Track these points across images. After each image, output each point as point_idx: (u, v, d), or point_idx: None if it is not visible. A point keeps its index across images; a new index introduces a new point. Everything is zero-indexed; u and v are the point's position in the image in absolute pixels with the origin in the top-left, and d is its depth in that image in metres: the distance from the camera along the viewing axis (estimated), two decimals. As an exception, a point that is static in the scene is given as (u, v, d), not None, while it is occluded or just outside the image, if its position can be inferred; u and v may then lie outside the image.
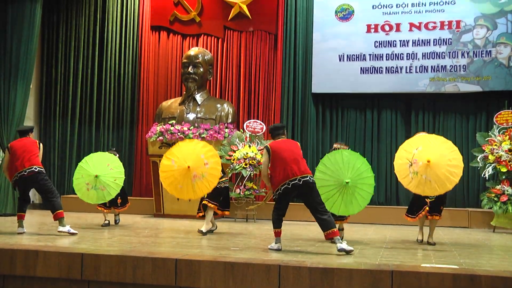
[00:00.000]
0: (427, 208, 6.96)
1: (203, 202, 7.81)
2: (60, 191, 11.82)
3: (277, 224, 6.22)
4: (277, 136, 6.48)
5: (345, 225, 7.45)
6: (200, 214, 7.96)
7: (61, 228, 7.16)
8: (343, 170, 6.54)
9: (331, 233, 5.93)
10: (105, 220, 8.70)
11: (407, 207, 7.50)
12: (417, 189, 6.58)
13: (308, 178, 6.07)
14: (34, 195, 10.97)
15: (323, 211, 6.03)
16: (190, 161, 7.25)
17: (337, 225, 7.44)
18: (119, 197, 8.63)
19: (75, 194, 11.71)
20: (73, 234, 7.16)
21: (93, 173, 7.97)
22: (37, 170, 7.30)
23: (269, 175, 6.31)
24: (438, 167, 6.46)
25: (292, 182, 6.04)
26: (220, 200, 7.93)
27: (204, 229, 7.65)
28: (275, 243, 6.16)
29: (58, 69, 12.40)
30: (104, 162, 8.22)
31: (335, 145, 7.49)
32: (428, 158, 6.44)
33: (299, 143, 6.52)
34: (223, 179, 7.91)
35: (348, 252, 5.79)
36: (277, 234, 6.19)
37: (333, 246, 6.32)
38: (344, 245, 5.82)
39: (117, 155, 8.69)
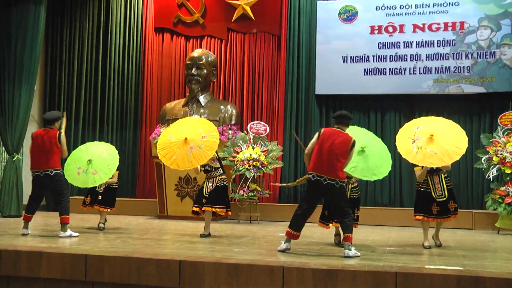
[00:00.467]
0: (434, 215, 6.88)
1: (204, 208, 7.63)
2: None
3: (293, 225, 6.03)
4: (337, 123, 6.22)
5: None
6: (195, 209, 7.73)
7: (62, 234, 7.10)
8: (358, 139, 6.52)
9: (345, 237, 5.89)
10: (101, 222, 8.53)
11: (410, 208, 7.47)
12: (423, 162, 6.45)
13: (334, 182, 5.89)
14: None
15: (345, 214, 5.93)
16: (188, 133, 7.34)
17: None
18: (103, 195, 8.33)
19: (79, 195, 11.79)
20: (75, 236, 7.14)
21: (86, 158, 7.79)
22: (52, 174, 7.18)
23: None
24: (442, 139, 6.44)
25: (317, 177, 5.92)
26: (226, 201, 7.81)
27: (206, 232, 7.66)
28: (284, 242, 6.07)
29: (62, 71, 12.44)
30: (99, 149, 8.07)
31: None
32: (431, 133, 6.45)
33: (352, 141, 6.05)
34: (223, 176, 7.81)
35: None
36: (290, 236, 6.05)
37: (337, 248, 6.34)
38: (351, 253, 5.76)
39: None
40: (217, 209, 7.63)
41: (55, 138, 7.23)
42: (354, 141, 6.07)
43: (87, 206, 8.45)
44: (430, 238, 7.07)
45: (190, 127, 7.50)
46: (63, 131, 7.55)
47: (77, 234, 7.23)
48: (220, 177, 7.73)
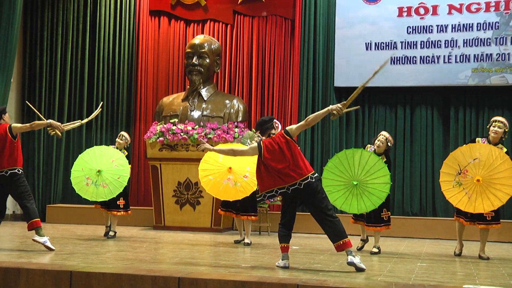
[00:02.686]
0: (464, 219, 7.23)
1: (241, 217, 8.37)
2: (45, 200, 11.90)
3: (281, 239, 6.16)
4: (266, 131, 6.33)
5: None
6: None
7: (37, 238, 6.98)
8: (353, 169, 6.95)
9: (342, 244, 5.85)
10: (107, 227, 8.82)
11: (447, 218, 7.61)
12: (451, 198, 6.99)
13: (309, 180, 5.96)
14: (15, 205, 11.01)
15: (331, 217, 5.94)
16: (235, 164, 7.77)
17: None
18: (122, 198, 8.77)
19: (63, 203, 11.84)
20: (49, 249, 6.98)
21: (96, 168, 8.13)
22: (8, 174, 6.99)
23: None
24: (486, 189, 6.76)
25: (292, 188, 5.97)
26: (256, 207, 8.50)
27: (248, 240, 8.28)
28: (282, 259, 6.09)
29: (43, 60, 12.46)
30: (108, 156, 8.34)
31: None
32: (479, 177, 6.76)
33: (284, 131, 6.15)
34: None
35: (358, 270, 5.76)
36: (283, 250, 6.13)
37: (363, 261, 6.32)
38: (356, 260, 5.78)
39: (128, 141, 9.03)
40: (251, 217, 8.38)
41: (5, 132, 7.06)
42: (287, 131, 6.11)
43: (102, 208, 8.82)
44: (470, 248, 7.32)
45: (241, 159, 7.74)
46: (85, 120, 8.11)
47: (53, 247, 7.03)
48: None
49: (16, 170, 7.10)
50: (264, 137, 6.33)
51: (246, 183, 7.76)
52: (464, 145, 7.23)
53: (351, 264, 5.76)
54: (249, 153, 6.34)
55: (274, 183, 6.03)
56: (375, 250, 7.48)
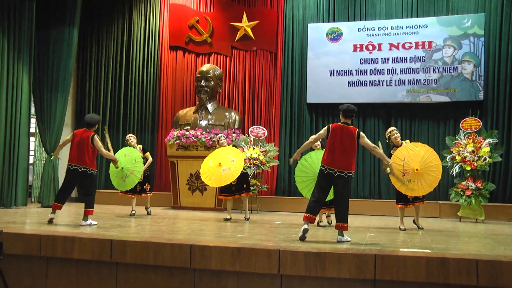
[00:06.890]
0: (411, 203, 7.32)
1: (239, 196, 8.28)
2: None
3: (309, 209, 5.76)
4: (345, 117, 5.85)
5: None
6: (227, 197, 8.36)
7: (83, 223, 7.01)
8: (314, 166, 6.93)
9: (341, 226, 5.80)
10: (132, 210, 8.77)
11: (389, 200, 7.60)
12: (411, 192, 6.94)
13: (344, 174, 5.70)
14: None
15: (342, 206, 5.78)
16: (221, 160, 7.94)
17: (326, 212, 7.54)
18: (147, 183, 8.82)
19: (105, 189, 11.81)
20: (94, 225, 7.03)
21: (119, 168, 8.01)
22: (81, 170, 7.05)
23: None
24: (425, 171, 6.93)
25: (329, 170, 5.72)
26: (247, 186, 8.40)
27: (248, 215, 8.42)
28: (304, 225, 5.75)
29: (91, 84, 12.42)
30: (122, 154, 8.30)
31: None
32: (416, 167, 6.91)
33: (357, 134, 5.75)
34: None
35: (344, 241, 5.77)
36: (309, 219, 5.74)
37: (325, 233, 6.36)
38: (343, 239, 5.79)
39: (133, 141, 8.64)
40: (248, 193, 8.35)
41: (88, 139, 7.13)
42: (359, 132, 5.80)
43: (129, 194, 8.71)
44: (406, 222, 7.34)
45: (224, 155, 8.02)
46: (105, 146, 7.60)
47: (95, 222, 7.14)
48: None
49: (94, 172, 7.21)
50: (344, 121, 5.85)
51: (236, 163, 7.79)
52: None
53: (340, 242, 5.70)
54: (317, 136, 5.94)
55: (329, 163, 5.71)
56: (323, 223, 7.61)
